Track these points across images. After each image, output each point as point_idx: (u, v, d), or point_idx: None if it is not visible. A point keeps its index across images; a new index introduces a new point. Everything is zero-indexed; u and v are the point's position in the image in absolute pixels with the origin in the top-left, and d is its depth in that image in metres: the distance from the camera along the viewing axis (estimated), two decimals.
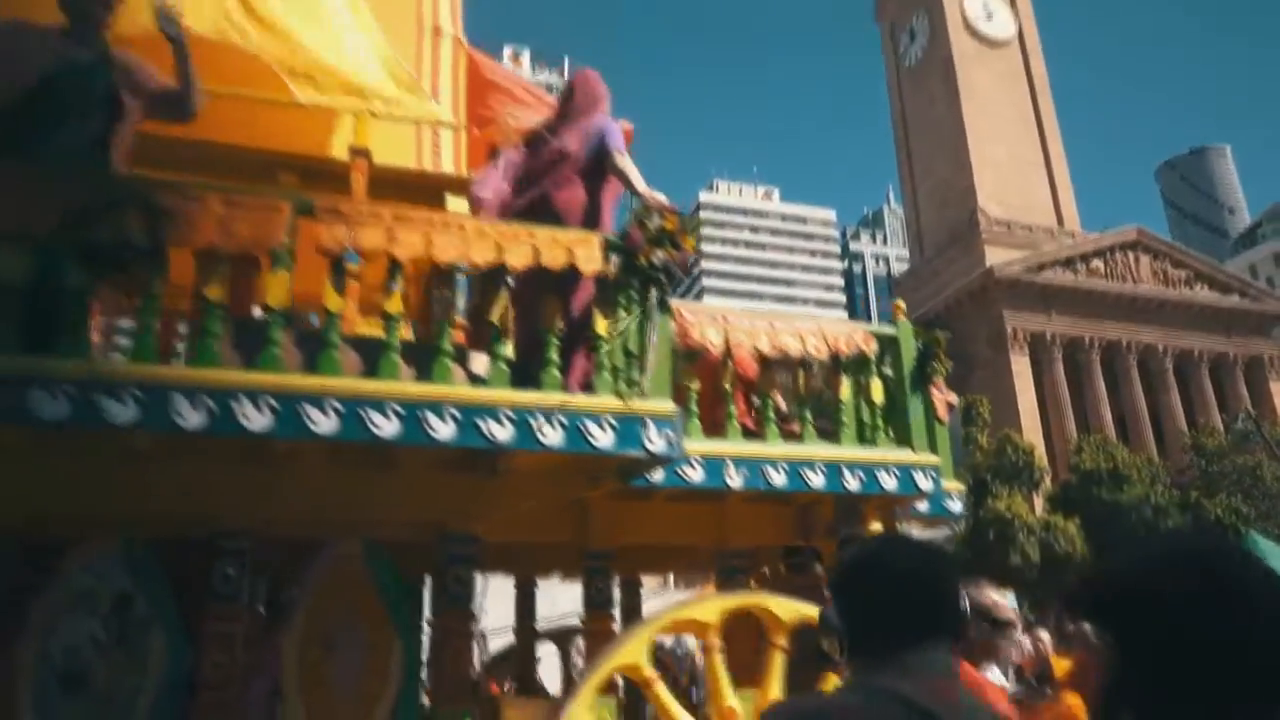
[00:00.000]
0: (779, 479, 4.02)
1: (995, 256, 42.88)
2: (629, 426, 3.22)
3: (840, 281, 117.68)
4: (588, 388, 3.41)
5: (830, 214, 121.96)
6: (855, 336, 4.39)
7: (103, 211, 2.83)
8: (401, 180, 4.39)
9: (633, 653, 3.23)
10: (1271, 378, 44.42)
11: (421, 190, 4.44)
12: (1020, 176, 45.85)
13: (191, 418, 2.81)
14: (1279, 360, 44.56)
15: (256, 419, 2.87)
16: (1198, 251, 50.86)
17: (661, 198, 3.59)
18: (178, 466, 3.25)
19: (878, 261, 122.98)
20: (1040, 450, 34.65)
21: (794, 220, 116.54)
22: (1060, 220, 46.75)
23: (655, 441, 3.23)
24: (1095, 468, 30.73)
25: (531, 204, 3.81)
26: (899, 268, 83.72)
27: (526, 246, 3.27)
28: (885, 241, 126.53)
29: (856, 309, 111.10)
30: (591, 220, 3.82)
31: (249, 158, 4.36)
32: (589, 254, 3.34)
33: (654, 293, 3.35)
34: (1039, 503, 32.62)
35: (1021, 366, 41.12)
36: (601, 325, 3.36)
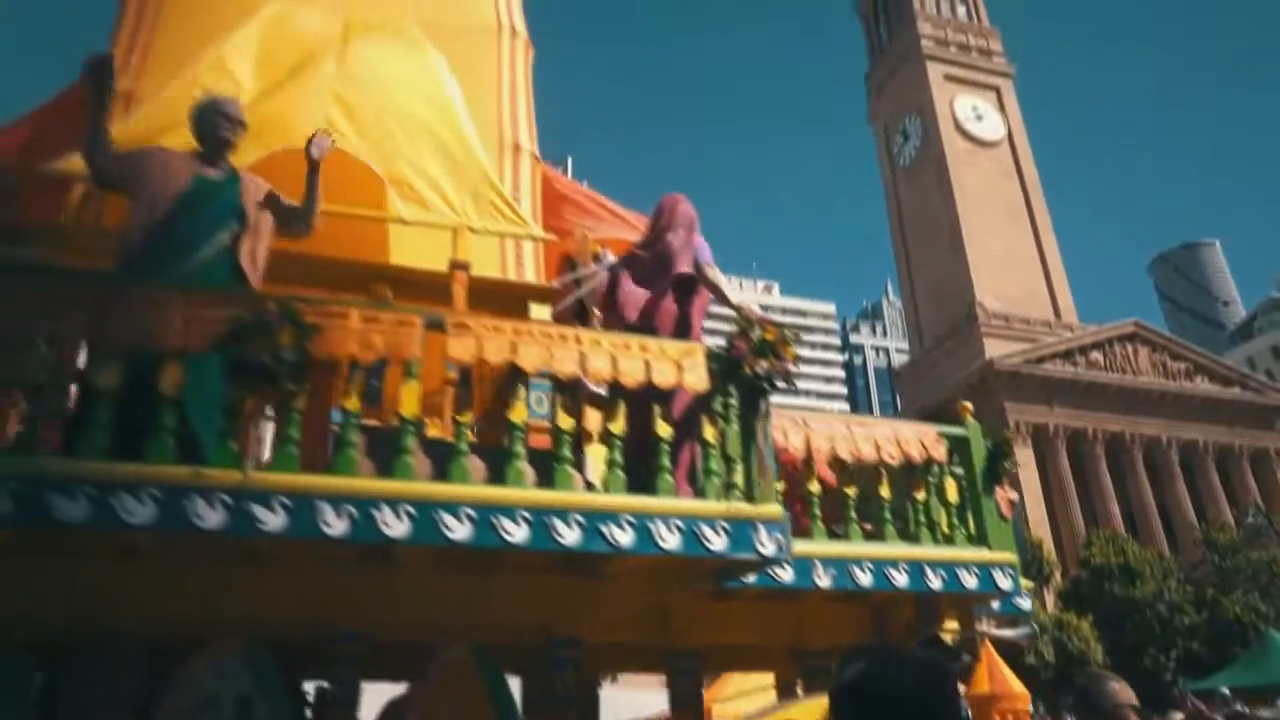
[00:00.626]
0: (865, 579, 4.13)
1: (994, 349, 43.49)
2: (741, 530, 3.36)
3: (841, 374, 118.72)
4: (694, 490, 3.57)
5: (830, 307, 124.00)
6: (927, 439, 4.57)
7: (256, 327, 3.03)
8: (494, 290, 4.64)
9: None
10: (1279, 470, 44.51)
11: (510, 299, 4.69)
12: (1016, 270, 46.92)
13: (336, 525, 2.96)
14: None
15: (396, 526, 3.01)
16: (1194, 343, 51.63)
17: (756, 309, 3.82)
18: (302, 570, 3.37)
19: (878, 353, 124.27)
20: (1048, 544, 34.42)
21: (794, 314, 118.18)
22: (1057, 313, 47.60)
23: (766, 545, 3.37)
24: (1106, 562, 30.46)
25: (643, 315, 4.05)
26: (899, 359, 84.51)
27: (639, 360, 3.48)
28: (885, 334, 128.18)
29: (858, 401, 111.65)
30: (683, 330, 4.05)
31: (343, 269, 4.61)
32: (695, 366, 3.55)
33: (761, 401, 3.54)
34: (1050, 598, 32.20)
35: (1025, 458, 41.18)
36: (709, 431, 3.53)
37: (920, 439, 4.56)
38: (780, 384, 3.60)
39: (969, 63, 48.14)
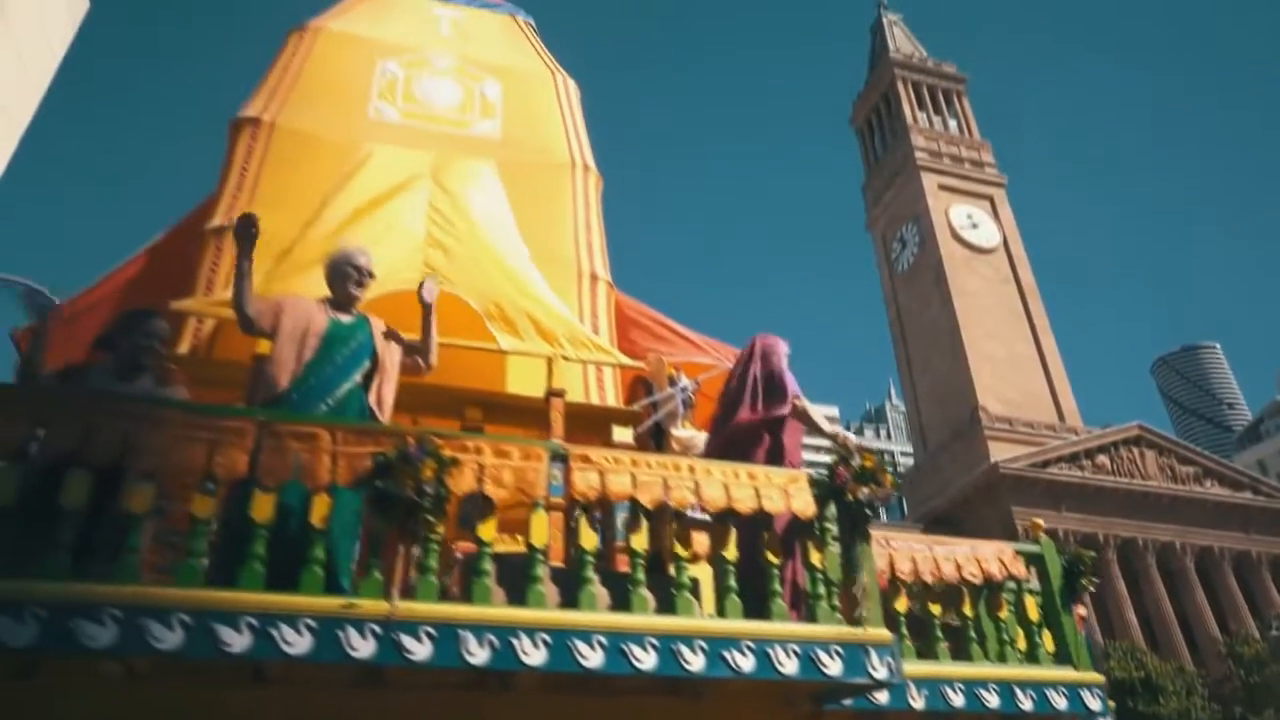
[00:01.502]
0: (958, 699, 4.23)
1: (998, 452, 43.53)
2: (854, 654, 3.49)
3: None
4: (797, 613, 3.71)
5: (834, 410, 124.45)
6: (1005, 557, 4.73)
7: (401, 462, 3.24)
8: (581, 414, 4.87)
9: None
10: None
11: (596, 422, 4.92)
12: (1018, 373, 47.47)
13: (479, 654, 3.10)
14: None
15: (534, 654, 3.15)
16: (1201, 446, 51.78)
17: (852, 438, 4.05)
18: (421, 694, 3.47)
19: (882, 456, 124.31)
20: None
21: None
22: (1060, 415, 47.88)
23: (879, 668, 3.50)
24: (1127, 677, 29.78)
25: (726, 442, 4.28)
26: (904, 462, 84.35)
27: (749, 488, 3.69)
28: (889, 436, 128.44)
29: None
30: (775, 457, 4.27)
31: (439, 394, 4.85)
32: (801, 492, 3.75)
33: (864, 526, 3.73)
34: None
35: None
36: (816, 556, 3.71)
37: (999, 557, 4.71)
38: (880, 509, 3.79)
39: (962, 173, 50.05)
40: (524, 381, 5.07)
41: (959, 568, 4.59)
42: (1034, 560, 4.84)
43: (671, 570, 3.59)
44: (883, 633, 3.59)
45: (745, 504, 3.65)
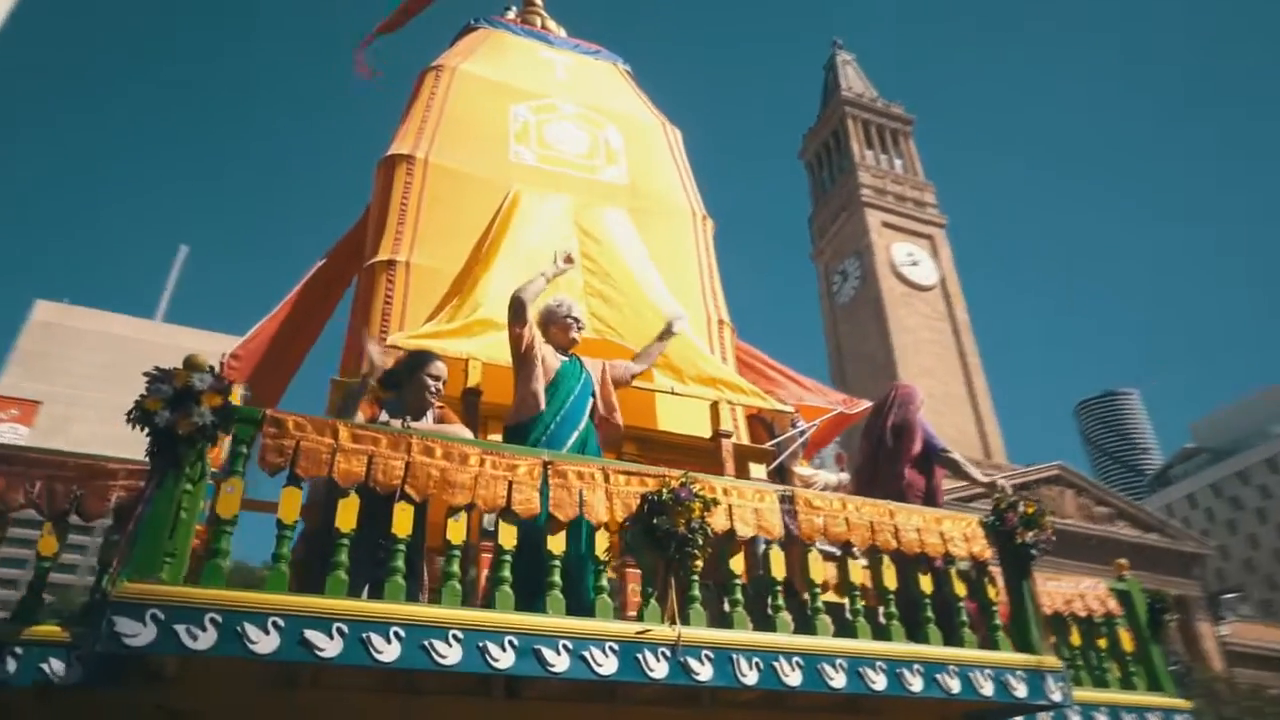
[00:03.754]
0: None
1: None
2: (1035, 679, 4.09)
3: None
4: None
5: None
6: (1100, 594, 5.41)
7: (676, 503, 3.70)
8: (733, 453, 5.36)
9: None
10: (1198, 618, 46.91)
11: (739, 460, 5.41)
12: (949, 409, 49.58)
13: (750, 675, 3.57)
14: (1202, 601, 47.31)
15: (792, 675, 3.64)
16: (1117, 488, 54.85)
17: (1006, 484, 4.67)
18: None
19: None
20: None
21: None
22: (987, 452, 50.19)
23: (1055, 692, 4.10)
24: None
25: (881, 486, 4.85)
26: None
27: (936, 535, 4.26)
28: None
29: None
30: (930, 499, 4.87)
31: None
32: (978, 537, 4.35)
33: (1030, 565, 4.34)
34: None
35: None
36: (991, 591, 4.30)
37: (1095, 594, 5.39)
38: (1042, 550, 4.41)
39: (905, 212, 52.24)
40: (672, 419, 5.53)
41: (1068, 603, 5.25)
42: (1123, 598, 5.54)
43: (806, 596, 4.07)
44: (1054, 660, 4.21)
45: (935, 549, 4.23)
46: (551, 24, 8.21)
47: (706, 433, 5.63)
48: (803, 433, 5.96)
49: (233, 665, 3.29)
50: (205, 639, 2.90)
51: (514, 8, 8.18)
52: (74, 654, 3.25)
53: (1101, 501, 49.03)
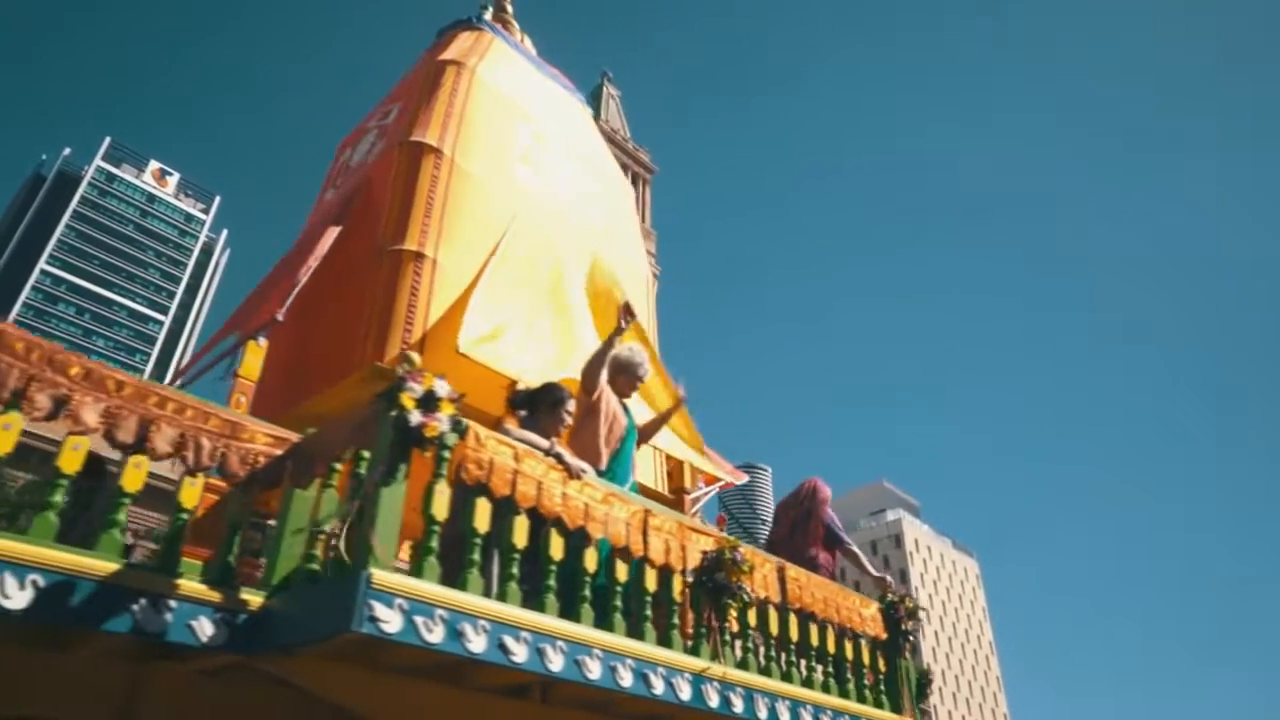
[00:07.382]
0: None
1: None
2: None
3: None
4: None
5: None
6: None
7: (734, 562, 4.52)
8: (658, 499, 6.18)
9: None
10: None
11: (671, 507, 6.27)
12: None
13: (763, 712, 4.47)
14: None
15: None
16: None
17: (890, 580, 6.07)
18: None
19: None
20: None
21: None
22: None
23: None
24: None
25: (795, 561, 6.01)
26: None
27: (856, 612, 5.49)
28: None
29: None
30: (834, 578, 6.12)
31: None
32: (876, 619, 5.65)
33: (905, 644, 5.73)
34: None
35: None
36: (880, 663, 5.61)
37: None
38: (914, 637, 5.83)
39: None
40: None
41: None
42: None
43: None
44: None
45: (852, 621, 5.44)
46: (518, 32, 8.44)
47: (653, 484, 6.41)
48: (707, 493, 6.96)
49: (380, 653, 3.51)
50: (437, 633, 3.19)
51: (489, 7, 8.30)
52: (219, 616, 3.29)
53: None
